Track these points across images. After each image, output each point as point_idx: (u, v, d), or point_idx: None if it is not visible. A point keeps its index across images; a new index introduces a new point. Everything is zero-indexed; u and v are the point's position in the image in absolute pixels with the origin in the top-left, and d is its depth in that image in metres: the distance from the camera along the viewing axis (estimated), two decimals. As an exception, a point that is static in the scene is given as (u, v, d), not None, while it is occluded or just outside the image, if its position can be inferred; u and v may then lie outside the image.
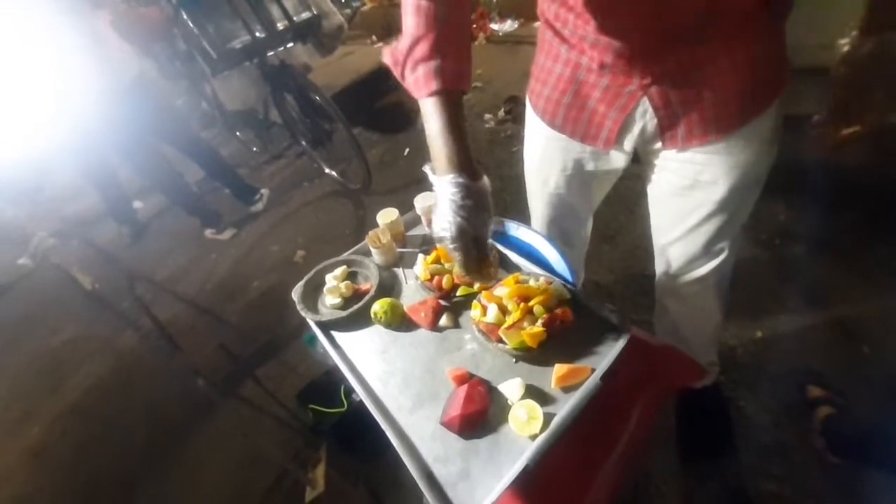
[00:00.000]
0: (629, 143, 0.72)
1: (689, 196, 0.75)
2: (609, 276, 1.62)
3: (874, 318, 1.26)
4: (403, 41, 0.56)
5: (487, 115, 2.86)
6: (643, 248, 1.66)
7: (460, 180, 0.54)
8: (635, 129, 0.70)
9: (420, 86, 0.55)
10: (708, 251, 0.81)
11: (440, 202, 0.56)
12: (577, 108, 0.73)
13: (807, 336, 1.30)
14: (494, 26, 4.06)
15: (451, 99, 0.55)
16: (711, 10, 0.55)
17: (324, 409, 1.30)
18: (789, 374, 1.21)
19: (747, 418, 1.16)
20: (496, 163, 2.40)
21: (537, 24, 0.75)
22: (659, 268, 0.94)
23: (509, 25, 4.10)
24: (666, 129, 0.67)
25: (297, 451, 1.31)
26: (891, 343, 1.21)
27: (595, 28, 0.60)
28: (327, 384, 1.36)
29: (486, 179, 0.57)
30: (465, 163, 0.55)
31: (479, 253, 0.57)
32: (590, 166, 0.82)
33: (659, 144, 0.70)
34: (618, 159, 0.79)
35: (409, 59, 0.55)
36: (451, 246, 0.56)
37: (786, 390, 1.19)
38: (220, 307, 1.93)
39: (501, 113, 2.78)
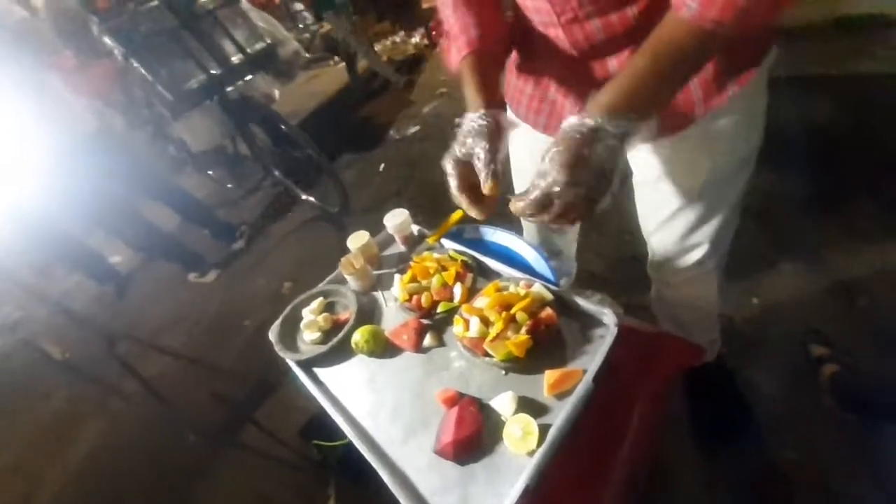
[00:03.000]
0: None
1: (657, 188, 0.73)
2: (600, 264, 1.60)
3: (867, 271, 1.26)
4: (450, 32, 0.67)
5: (458, 120, 2.85)
6: (630, 231, 1.65)
7: (471, 116, 0.59)
8: None
9: (453, 62, 0.66)
10: (684, 243, 0.79)
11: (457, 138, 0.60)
12: (538, 98, 0.71)
13: (803, 297, 1.29)
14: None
15: (472, 62, 0.63)
16: (648, 12, 0.53)
17: (328, 444, 1.26)
18: (790, 337, 1.20)
19: (755, 387, 1.15)
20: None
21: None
22: (649, 256, 0.92)
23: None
24: None
25: (305, 489, 1.27)
26: (886, 293, 1.20)
27: (538, 22, 0.59)
28: (329, 417, 1.32)
29: (504, 114, 0.60)
30: (480, 101, 0.60)
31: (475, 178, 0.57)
32: None
33: None
34: None
35: (449, 42, 0.67)
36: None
37: (790, 353, 1.18)
38: (212, 352, 1.88)
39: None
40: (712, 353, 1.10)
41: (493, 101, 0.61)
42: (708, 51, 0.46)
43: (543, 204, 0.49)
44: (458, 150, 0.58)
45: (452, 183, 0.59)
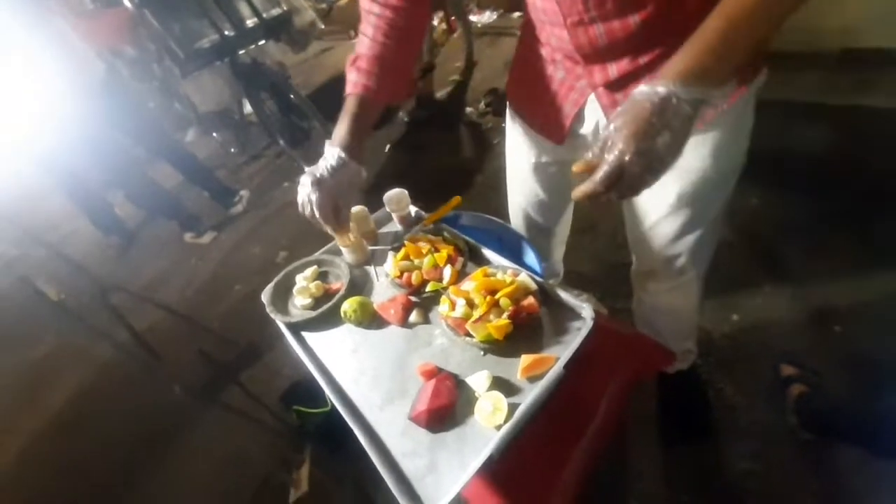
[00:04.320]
0: (586, 136, 0.72)
1: (642, 203, 0.76)
2: (590, 266, 1.63)
3: (845, 300, 1.30)
4: (357, 48, 0.73)
5: (469, 109, 2.85)
6: (623, 235, 1.68)
7: (335, 150, 0.69)
8: (588, 125, 0.70)
9: (347, 86, 0.72)
10: (666, 252, 0.81)
11: (319, 163, 0.70)
12: (537, 98, 0.73)
13: (781, 318, 1.32)
14: (473, 18, 4.03)
15: (359, 101, 0.71)
16: (650, 22, 0.55)
17: (308, 410, 1.30)
18: (764, 355, 1.24)
19: (725, 399, 1.19)
20: (476, 155, 2.40)
21: (517, 14, 0.78)
22: (633, 263, 0.95)
23: (488, 17, 4.08)
24: None
25: (281, 451, 1.31)
26: (861, 322, 1.24)
27: (545, 22, 0.61)
28: (312, 385, 1.34)
29: (361, 168, 0.71)
30: (347, 143, 0.69)
31: (335, 217, 0.70)
32: (554, 156, 0.82)
33: None
34: (574, 153, 0.78)
35: (351, 65, 0.72)
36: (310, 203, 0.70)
37: (761, 371, 1.21)
38: (202, 312, 1.90)
39: (482, 106, 2.77)
40: (686, 362, 1.14)
41: (356, 147, 0.70)
42: (778, 12, 0.44)
43: (613, 179, 0.46)
44: (316, 174, 0.69)
45: (314, 206, 0.69)
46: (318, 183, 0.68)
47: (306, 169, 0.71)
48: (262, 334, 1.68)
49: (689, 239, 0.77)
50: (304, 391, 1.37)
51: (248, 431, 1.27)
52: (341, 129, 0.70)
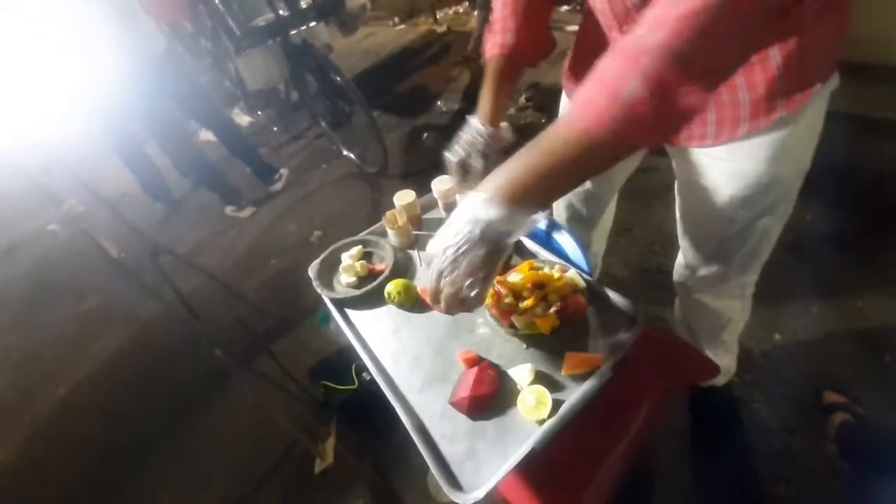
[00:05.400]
0: None
1: (694, 196, 0.73)
2: (625, 270, 1.60)
3: (899, 328, 1.22)
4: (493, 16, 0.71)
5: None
6: (660, 242, 1.63)
7: (473, 121, 0.68)
8: None
9: (486, 54, 0.71)
10: (712, 252, 0.78)
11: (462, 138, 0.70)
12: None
13: (826, 341, 1.26)
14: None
15: (498, 64, 0.69)
16: None
17: (335, 386, 1.33)
18: (805, 379, 1.19)
19: (760, 421, 1.15)
20: (513, 151, 2.38)
21: (564, 8, 0.78)
22: (677, 258, 0.92)
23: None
24: None
25: (307, 424, 1.35)
26: (915, 353, 1.17)
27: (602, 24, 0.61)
28: (339, 362, 1.39)
29: (505, 130, 0.69)
30: (487, 114, 0.68)
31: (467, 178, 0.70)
32: None
33: None
34: None
35: (488, 33, 0.72)
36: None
37: (801, 395, 1.17)
38: (238, 283, 1.98)
39: (522, 100, 2.73)
40: (724, 378, 1.11)
41: (498, 116, 0.69)
42: (592, 158, 0.43)
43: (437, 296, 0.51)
44: (459, 151, 0.68)
45: (455, 179, 0.70)
46: (457, 166, 0.70)
47: (453, 145, 0.71)
48: (295, 308, 1.74)
49: (738, 243, 0.74)
50: (331, 368, 1.41)
51: (278, 401, 1.32)
52: (484, 98, 0.69)
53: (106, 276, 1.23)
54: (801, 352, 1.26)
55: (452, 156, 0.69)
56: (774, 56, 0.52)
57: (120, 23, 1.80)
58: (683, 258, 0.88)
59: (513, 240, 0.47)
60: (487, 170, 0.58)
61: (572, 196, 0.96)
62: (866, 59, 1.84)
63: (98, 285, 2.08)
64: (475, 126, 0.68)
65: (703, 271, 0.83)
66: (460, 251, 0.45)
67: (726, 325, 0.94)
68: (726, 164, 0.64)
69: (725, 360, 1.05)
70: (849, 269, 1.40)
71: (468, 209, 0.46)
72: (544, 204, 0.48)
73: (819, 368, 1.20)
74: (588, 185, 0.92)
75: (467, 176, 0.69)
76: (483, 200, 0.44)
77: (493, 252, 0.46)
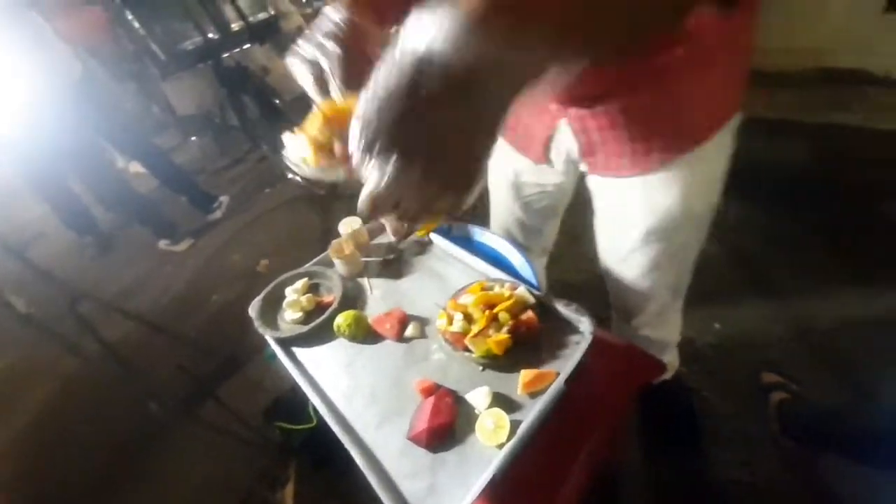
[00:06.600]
0: (558, 160, 0.71)
1: (612, 224, 0.75)
2: (577, 276, 1.65)
3: (824, 311, 1.35)
4: None
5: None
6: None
7: (328, 10, 0.45)
8: (561, 148, 0.68)
9: None
10: (637, 289, 0.79)
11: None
12: (515, 117, 0.72)
13: (762, 327, 1.36)
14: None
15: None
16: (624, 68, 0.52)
17: (292, 427, 1.25)
18: (747, 363, 1.27)
19: (710, 408, 1.21)
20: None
21: None
22: (609, 294, 0.94)
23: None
24: (586, 153, 0.64)
25: (264, 470, 1.25)
26: (839, 332, 1.29)
27: None
28: (295, 400, 1.30)
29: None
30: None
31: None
32: (527, 178, 0.81)
33: (584, 167, 0.68)
34: (553, 175, 0.78)
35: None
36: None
37: (744, 380, 1.24)
38: (178, 323, 1.83)
39: None
40: (671, 371, 1.16)
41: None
42: None
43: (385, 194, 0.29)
44: (306, 49, 0.44)
45: (306, 80, 0.44)
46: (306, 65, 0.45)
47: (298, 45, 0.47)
48: (242, 346, 1.62)
49: (661, 276, 0.76)
50: (287, 406, 1.32)
51: (229, 449, 1.21)
52: None
53: (18, 332, 1.09)
54: (740, 339, 1.35)
55: (298, 59, 0.45)
56: (679, 93, 0.54)
57: (26, 48, 1.64)
58: (613, 297, 0.90)
59: (509, 96, 0.27)
60: (351, 82, 0.41)
61: (509, 225, 0.95)
62: (774, 67, 2.07)
63: (11, 342, 1.83)
64: (331, 15, 0.45)
65: (631, 307, 0.86)
66: (410, 107, 0.25)
67: (668, 340, 1.00)
68: (642, 195, 0.65)
69: (668, 356, 1.11)
70: (776, 261, 1.54)
71: (426, 34, 0.24)
72: (564, 30, 0.25)
73: (758, 353, 1.29)
74: (521, 215, 0.90)
75: (327, 88, 0.44)
76: (454, 22, 0.24)
77: (477, 114, 0.27)
